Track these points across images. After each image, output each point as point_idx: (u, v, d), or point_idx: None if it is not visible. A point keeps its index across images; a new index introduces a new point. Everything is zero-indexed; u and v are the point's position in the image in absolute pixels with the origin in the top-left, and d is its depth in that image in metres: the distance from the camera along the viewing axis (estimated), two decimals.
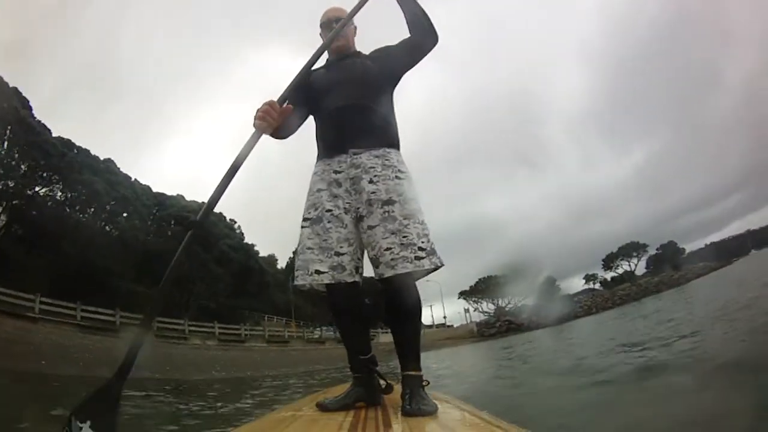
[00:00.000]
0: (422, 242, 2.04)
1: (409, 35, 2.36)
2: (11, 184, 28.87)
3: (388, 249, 2.01)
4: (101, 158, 34.87)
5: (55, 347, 19.60)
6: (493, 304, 68.28)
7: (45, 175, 29.32)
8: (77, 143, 32.93)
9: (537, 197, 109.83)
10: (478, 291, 68.77)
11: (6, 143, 28.99)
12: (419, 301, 2.17)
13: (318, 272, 2.08)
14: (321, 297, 2.24)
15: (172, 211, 38.29)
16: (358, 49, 2.54)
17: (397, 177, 2.15)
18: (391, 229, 2.03)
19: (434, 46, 2.31)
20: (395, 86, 2.41)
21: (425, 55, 2.35)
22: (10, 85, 30.40)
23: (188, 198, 41.82)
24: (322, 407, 1.96)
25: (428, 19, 2.29)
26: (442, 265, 2.06)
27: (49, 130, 30.08)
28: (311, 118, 2.42)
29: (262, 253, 57.22)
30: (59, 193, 30.73)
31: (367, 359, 2.14)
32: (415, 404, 1.81)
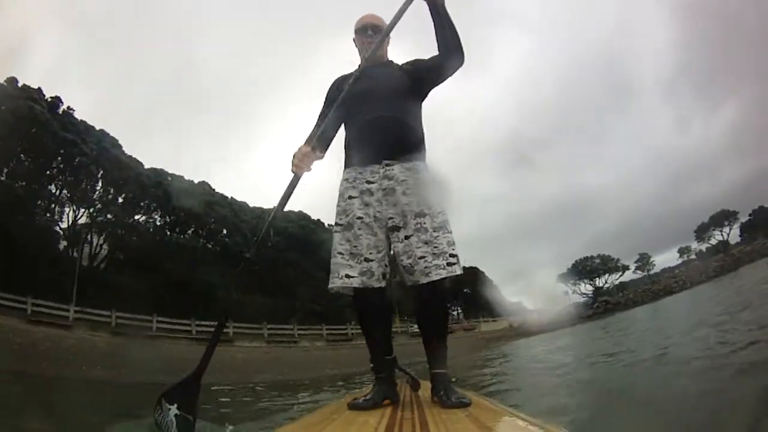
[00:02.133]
0: (452, 250, 2.14)
1: (437, 53, 2.36)
2: (110, 216, 31.62)
3: (422, 258, 2.10)
4: (195, 181, 37.31)
5: (181, 360, 21.04)
6: (591, 285, 65.74)
7: (143, 204, 31.89)
8: (168, 163, 35.44)
9: (631, 166, 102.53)
10: (575, 273, 66.54)
11: (101, 182, 31.82)
12: (447, 305, 2.43)
13: (348, 276, 2.15)
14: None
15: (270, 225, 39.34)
16: (390, 59, 2.59)
17: (427, 191, 2.23)
18: (424, 240, 2.12)
19: (460, 66, 2.33)
20: (423, 100, 2.46)
21: (449, 75, 2.37)
22: (97, 128, 33.30)
23: (285, 209, 42.68)
24: (355, 407, 2.02)
25: (458, 40, 2.29)
26: (462, 273, 2.15)
27: (141, 164, 32.50)
28: None
29: None
30: (158, 219, 33.33)
31: (391, 359, 2.31)
32: (453, 397, 1.95)
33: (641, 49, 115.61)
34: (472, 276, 60.88)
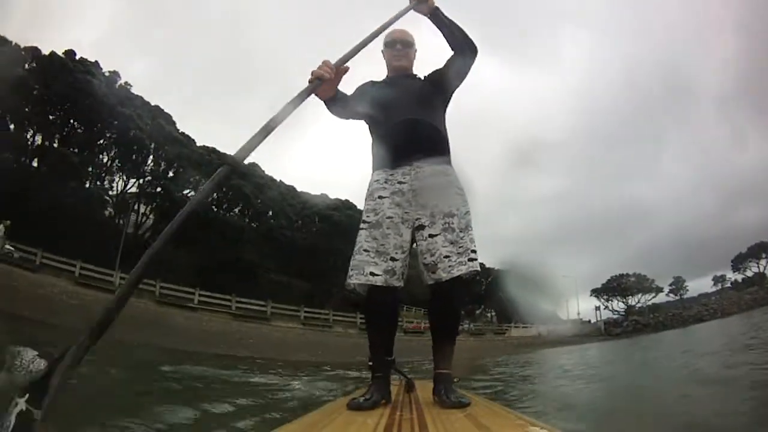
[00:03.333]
0: (474, 247, 2.22)
1: (451, 54, 2.50)
2: (159, 189, 32.65)
3: (447, 257, 2.15)
4: (246, 162, 38.06)
5: (217, 334, 21.79)
6: (624, 303, 64.85)
7: (192, 180, 32.82)
8: (220, 143, 36.05)
9: (683, 181, 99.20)
10: (609, 289, 65.67)
11: (152, 155, 32.80)
12: (461, 307, 2.47)
13: (372, 274, 2.16)
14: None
15: (315, 210, 40.81)
16: (414, 72, 2.67)
17: (456, 193, 2.30)
18: (450, 239, 2.18)
19: (474, 57, 2.47)
20: (447, 105, 2.55)
21: (467, 70, 2.50)
22: (152, 103, 34.21)
23: (332, 196, 44.18)
24: (353, 407, 1.99)
25: (464, 34, 2.45)
26: (479, 270, 2.21)
27: (194, 141, 33.41)
28: (360, 126, 2.57)
29: None
30: None
31: (390, 360, 2.30)
32: (453, 397, 1.97)
33: (703, 60, 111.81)
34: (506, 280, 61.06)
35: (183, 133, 33.73)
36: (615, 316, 62.05)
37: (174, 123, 35.47)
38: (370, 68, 2.64)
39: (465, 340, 37.96)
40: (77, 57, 35.55)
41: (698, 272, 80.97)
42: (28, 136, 34.31)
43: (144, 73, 79.12)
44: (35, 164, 34.10)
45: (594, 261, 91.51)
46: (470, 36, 2.45)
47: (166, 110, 35.78)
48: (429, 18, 2.47)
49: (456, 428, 1.54)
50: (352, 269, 2.21)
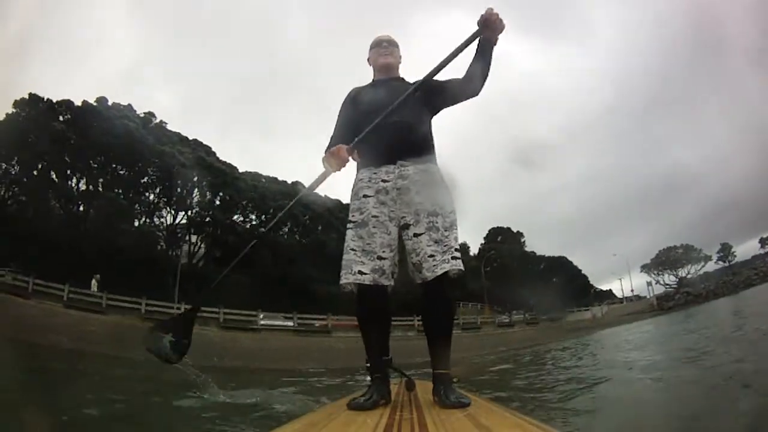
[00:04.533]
0: (457, 245, 2.22)
1: (461, 79, 2.46)
2: (207, 218, 33.91)
3: (431, 256, 2.14)
4: (289, 182, 39.31)
5: (282, 350, 22.67)
6: (674, 275, 63.72)
7: (240, 205, 34.06)
8: (261, 161, 37.42)
9: (723, 142, 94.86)
10: (659, 263, 64.70)
11: (196, 188, 34.00)
12: (454, 306, 2.37)
13: (360, 273, 2.17)
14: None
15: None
16: (401, 75, 2.70)
17: (440, 192, 2.31)
18: (435, 238, 2.17)
19: (473, 96, 2.48)
20: (434, 115, 2.56)
21: (463, 100, 2.52)
22: (190, 138, 35.47)
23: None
24: (353, 407, 2.00)
25: (486, 77, 2.42)
26: (463, 269, 2.18)
27: (236, 168, 34.55)
28: None
29: None
30: (254, 218, 35.47)
31: (387, 360, 2.24)
32: (453, 397, 1.95)
33: (733, 10, 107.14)
34: (559, 266, 60.74)
35: (225, 162, 34.82)
36: (666, 290, 60.50)
37: (214, 153, 36.65)
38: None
39: (521, 330, 38.27)
40: (109, 103, 37.05)
41: (745, 236, 79.54)
42: (72, 184, 35.78)
43: (175, 99, 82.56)
44: (81, 209, 35.62)
45: (643, 236, 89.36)
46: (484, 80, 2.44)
47: (203, 140, 37.09)
48: (485, 45, 2.40)
49: (456, 428, 1.56)
50: (342, 269, 2.23)
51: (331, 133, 2.54)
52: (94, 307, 23.84)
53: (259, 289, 29.87)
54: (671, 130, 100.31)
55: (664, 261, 64.23)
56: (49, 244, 29.10)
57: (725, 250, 64.45)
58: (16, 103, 36.12)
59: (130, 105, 38.35)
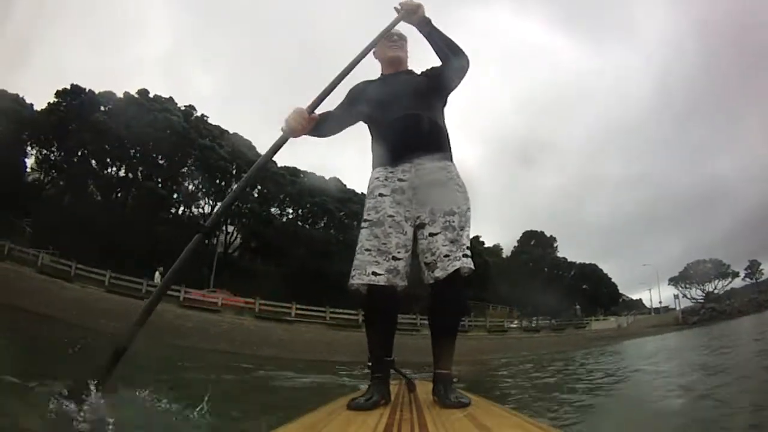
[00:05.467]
0: (468, 244, 2.19)
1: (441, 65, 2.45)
2: (245, 209, 35.13)
3: (447, 256, 2.10)
4: (327, 177, 40.34)
5: (314, 342, 23.51)
6: (701, 290, 62.40)
7: (278, 198, 35.06)
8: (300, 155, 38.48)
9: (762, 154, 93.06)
10: (686, 276, 63.32)
11: (235, 179, 35.16)
12: (463, 305, 2.36)
13: (375, 274, 2.11)
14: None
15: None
16: (410, 68, 2.62)
17: (457, 190, 2.25)
18: (450, 238, 2.12)
19: (463, 69, 2.41)
20: (445, 104, 2.50)
21: (456, 79, 2.45)
22: (230, 131, 36.63)
23: None
24: (353, 407, 1.96)
25: (452, 47, 2.39)
26: (474, 268, 2.16)
27: (275, 162, 35.42)
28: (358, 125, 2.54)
29: (487, 243, 58.97)
30: (291, 212, 36.54)
31: (390, 361, 2.21)
32: (453, 397, 1.92)
33: None
34: (590, 273, 60.15)
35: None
36: (692, 304, 59.17)
37: (254, 147, 37.70)
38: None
39: (546, 335, 38.08)
40: (151, 95, 38.13)
41: None
42: (111, 171, 37.09)
43: (215, 87, 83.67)
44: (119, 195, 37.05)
45: (674, 247, 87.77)
46: (460, 47, 2.41)
47: (243, 133, 38.28)
48: (418, 28, 2.46)
49: (456, 428, 1.55)
50: (354, 269, 2.17)
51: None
52: (134, 293, 24.69)
53: (292, 281, 30.60)
54: (710, 139, 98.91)
55: (692, 275, 63.03)
56: (85, 229, 30.26)
57: (753, 267, 62.27)
58: (58, 93, 37.57)
59: (171, 98, 39.44)
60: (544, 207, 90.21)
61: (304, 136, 2.37)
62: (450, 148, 2.37)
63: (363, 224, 2.24)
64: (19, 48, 62.77)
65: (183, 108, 39.30)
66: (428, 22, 2.43)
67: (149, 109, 36.42)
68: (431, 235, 2.14)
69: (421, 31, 2.45)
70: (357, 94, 2.47)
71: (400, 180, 2.23)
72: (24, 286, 20.72)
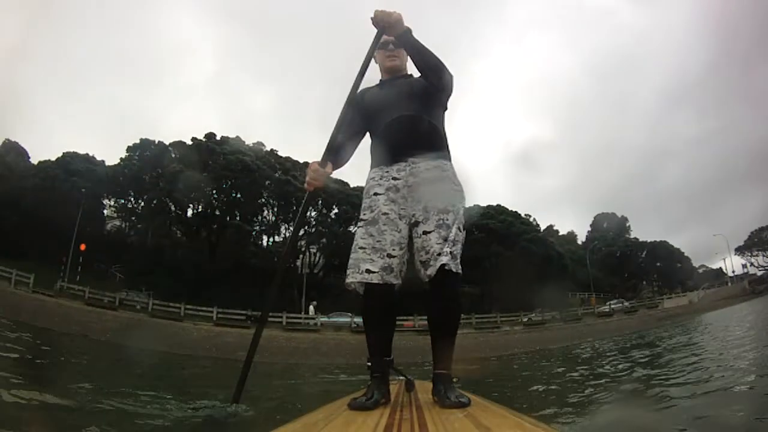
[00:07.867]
0: (462, 242, 2.20)
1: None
2: (324, 230, 39.00)
3: (440, 254, 2.08)
4: None
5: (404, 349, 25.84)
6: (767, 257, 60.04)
7: (355, 216, 37.53)
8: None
9: None
10: (751, 244, 61.37)
11: (310, 207, 37.93)
12: (459, 303, 2.27)
13: (369, 271, 2.12)
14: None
15: (471, 222, 42.74)
16: (409, 72, 2.60)
17: (452, 189, 2.26)
18: (444, 236, 2.11)
19: (443, 82, 2.38)
20: (445, 109, 2.50)
21: (442, 91, 2.41)
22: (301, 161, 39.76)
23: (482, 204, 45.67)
24: (354, 407, 1.96)
25: (432, 61, 2.34)
26: (460, 272, 2.14)
27: (348, 184, 38.00)
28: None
29: (562, 231, 60.42)
30: None
31: (389, 360, 2.18)
32: (452, 397, 1.91)
33: None
34: (662, 250, 59.09)
35: (337, 180, 37.88)
36: (760, 273, 56.47)
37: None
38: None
39: (618, 319, 37.18)
40: (218, 138, 40.95)
41: None
42: (192, 212, 41.00)
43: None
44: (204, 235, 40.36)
45: (748, 211, 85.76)
46: (439, 61, 2.35)
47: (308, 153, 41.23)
48: (396, 39, 2.43)
49: (456, 428, 1.54)
50: (348, 268, 2.19)
51: (331, 134, 2.45)
52: (240, 324, 27.47)
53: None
54: None
55: (756, 242, 60.97)
56: (179, 271, 33.39)
57: None
58: (128, 149, 41.29)
59: (238, 137, 42.55)
60: (615, 185, 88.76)
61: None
62: (447, 148, 2.38)
63: (359, 224, 2.27)
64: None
65: (251, 144, 42.58)
66: (406, 34, 2.37)
67: (220, 152, 39.32)
68: (425, 233, 2.14)
69: (400, 43, 2.44)
70: (357, 102, 2.49)
71: (394, 179, 2.25)
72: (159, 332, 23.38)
